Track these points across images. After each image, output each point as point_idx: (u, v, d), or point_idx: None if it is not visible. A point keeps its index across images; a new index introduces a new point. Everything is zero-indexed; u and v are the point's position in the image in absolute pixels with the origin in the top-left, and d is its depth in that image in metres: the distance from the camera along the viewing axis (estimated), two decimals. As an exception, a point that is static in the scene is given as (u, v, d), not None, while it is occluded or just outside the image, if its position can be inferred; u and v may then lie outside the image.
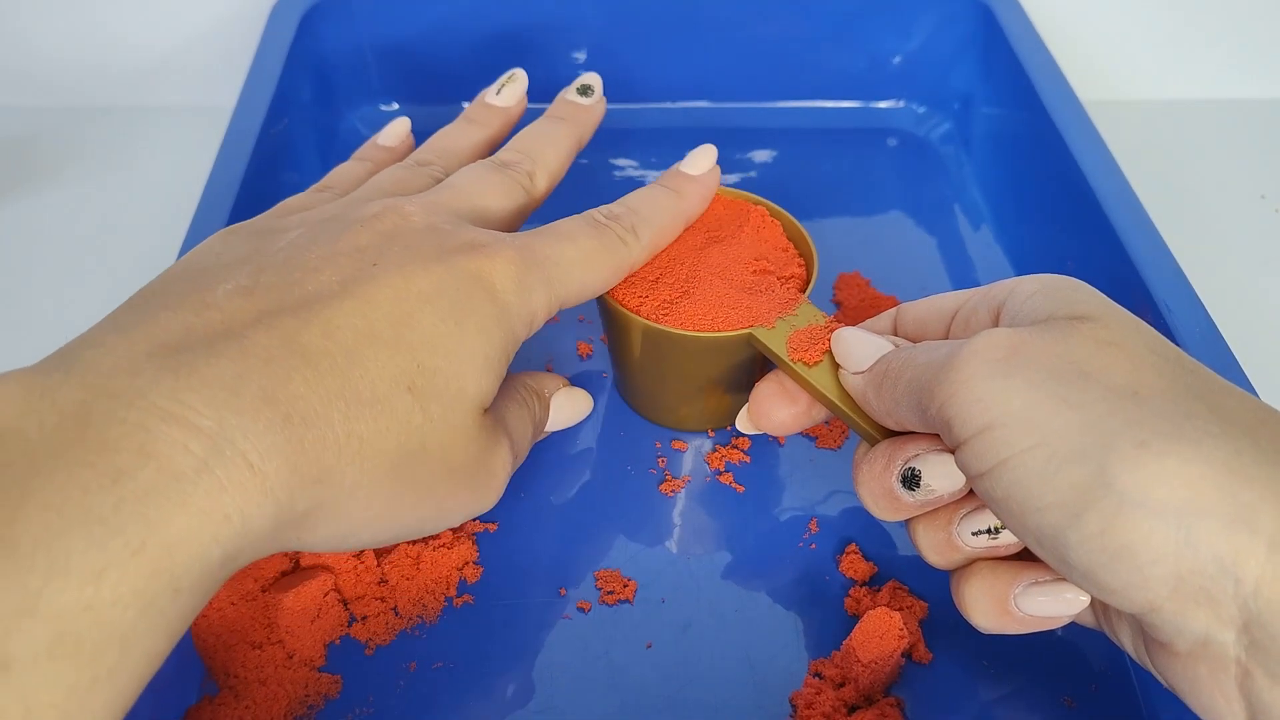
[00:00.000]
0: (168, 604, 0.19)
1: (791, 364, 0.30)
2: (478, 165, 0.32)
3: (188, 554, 0.20)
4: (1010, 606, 0.26)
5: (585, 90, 0.37)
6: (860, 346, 0.28)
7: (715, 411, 0.36)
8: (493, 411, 0.28)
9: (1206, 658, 0.21)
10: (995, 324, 0.26)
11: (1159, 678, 0.24)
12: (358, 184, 0.34)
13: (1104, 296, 0.25)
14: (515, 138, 0.35)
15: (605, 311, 0.34)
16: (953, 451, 0.24)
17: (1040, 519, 0.22)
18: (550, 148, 0.34)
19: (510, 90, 0.38)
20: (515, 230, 0.32)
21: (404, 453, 0.24)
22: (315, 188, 0.33)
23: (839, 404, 0.29)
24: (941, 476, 0.26)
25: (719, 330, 0.32)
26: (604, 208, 0.32)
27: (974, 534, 0.27)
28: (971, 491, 0.28)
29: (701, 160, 0.34)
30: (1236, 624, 0.21)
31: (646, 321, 0.32)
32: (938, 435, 0.27)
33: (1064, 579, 0.26)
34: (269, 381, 0.22)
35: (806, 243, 0.35)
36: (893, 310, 0.30)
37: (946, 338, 0.28)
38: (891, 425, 0.27)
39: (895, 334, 0.30)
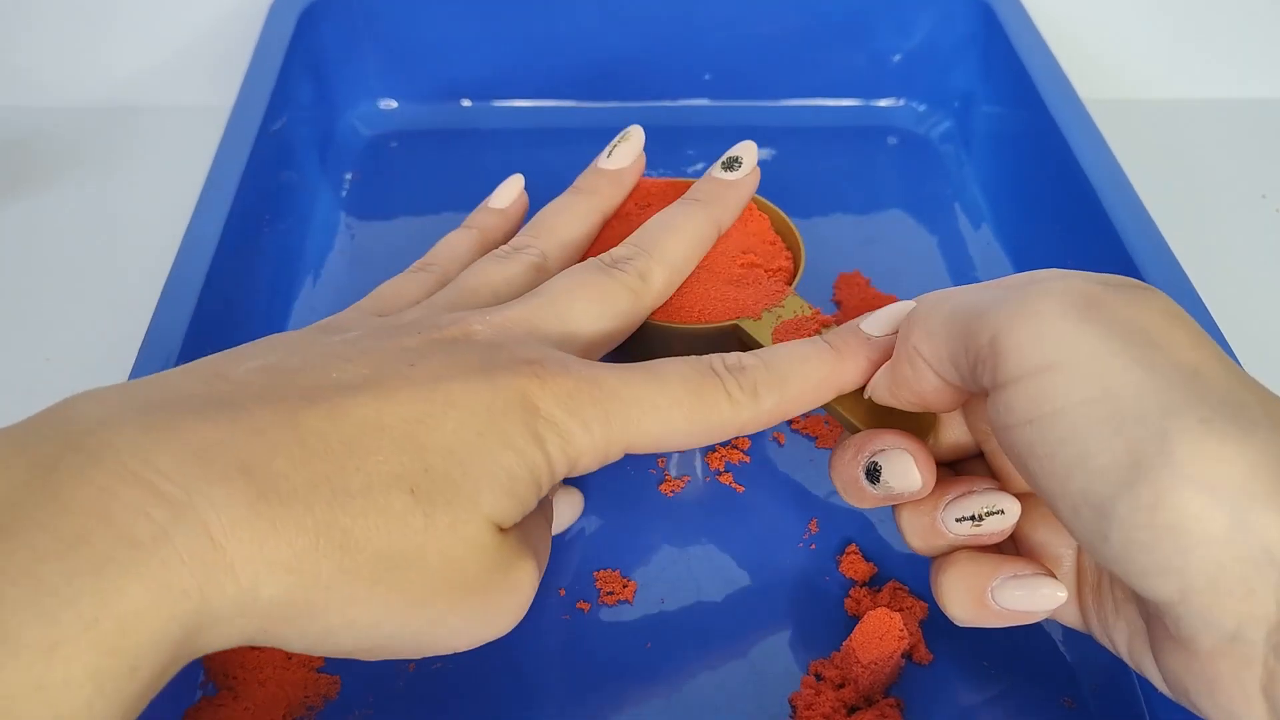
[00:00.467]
0: (125, 683, 0.18)
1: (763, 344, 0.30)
2: (580, 268, 0.30)
3: (145, 630, 0.18)
4: (987, 599, 0.26)
5: (732, 164, 0.34)
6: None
7: None
8: (519, 529, 0.25)
9: (1231, 656, 0.20)
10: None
11: (1158, 680, 0.23)
12: (462, 262, 0.32)
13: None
14: (640, 228, 0.32)
15: None
16: (986, 395, 0.23)
17: (1088, 482, 0.21)
18: (675, 238, 0.31)
19: (624, 151, 0.35)
20: (619, 342, 0.30)
21: (396, 556, 0.22)
22: (417, 265, 0.33)
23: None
24: (900, 475, 0.26)
25: (704, 321, 0.32)
26: (729, 356, 0.28)
27: (958, 520, 0.26)
28: (957, 475, 0.28)
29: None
30: (1270, 621, 0.20)
31: None
32: (909, 433, 0.27)
33: (1042, 573, 0.26)
34: (251, 454, 0.21)
35: (794, 235, 0.35)
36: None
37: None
38: (903, 396, 0.26)
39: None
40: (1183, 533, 0.20)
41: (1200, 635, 0.21)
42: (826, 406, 0.28)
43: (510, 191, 0.36)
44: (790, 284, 0.33)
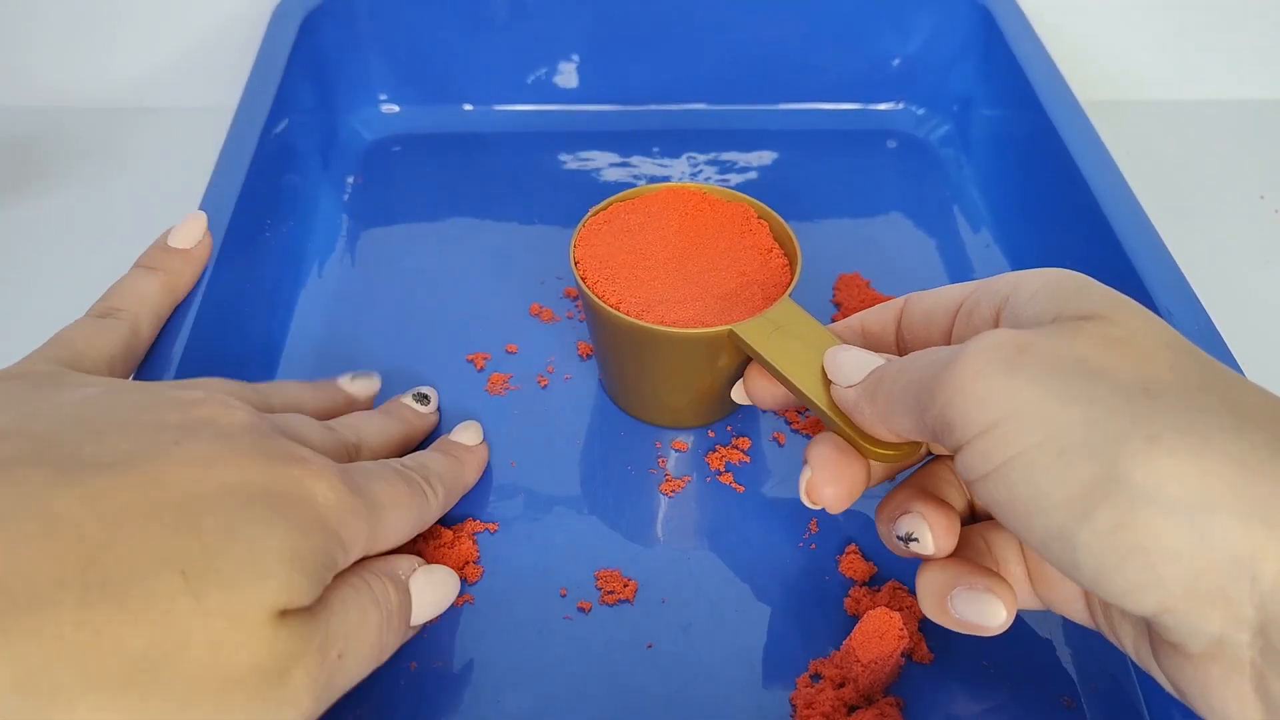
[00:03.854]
0: None
1: (770, 361, 0.30)
2: (314, 423, 0.30)
3: None
4: (947, 605, 0.27)
5: (422, 399, 0.36)
6: (852, 361, 0.28)
7: (699, 408, 0.37)
8: (309, 612, 0.23)
9: (1220, 659, 0.21)
10: (997, 322, 0.26)
11: (1164, 680, 0.23)
12: (151, 305, 0.32)
13: (1111, 291, 0.25)
14: (349, 417, 0.33)
15: (590, 310, 0.34)
16: (952, 457, 0.24)
17: (1048, 519, 0.21)
18: (373, 432, 0.32)
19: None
20: None
21: (157, 652, 0.20)
22: (101, 310, 0.32)
23: (820, 405, 0.29)
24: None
25: (700, 326, 0.32)
26: (398, 460, 0.31)
27: (898, 538, 0.27)
28: (906, 492, 0.29)
29: (471, 433, 0.35)
30: (1253, 624, 0.20)
31: (628, 318, 0.32)
32: (927, 494, 0.28)
33: (992, 589, 0.26)
34: None
35: (792, 243, 0.35)
36: (900, 300, 0.30)
37: (950, 332, 0.28)
38: (883, 434, 0.27)
39: (900, 324, 0.30)
40: (1147, 552, 0.20)
41: (1188, 641, 0.21)
42: (830, 422, 0.28)
43: (194, 230, 0.35)
44: (786, 290, 0.33)
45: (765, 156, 0.51)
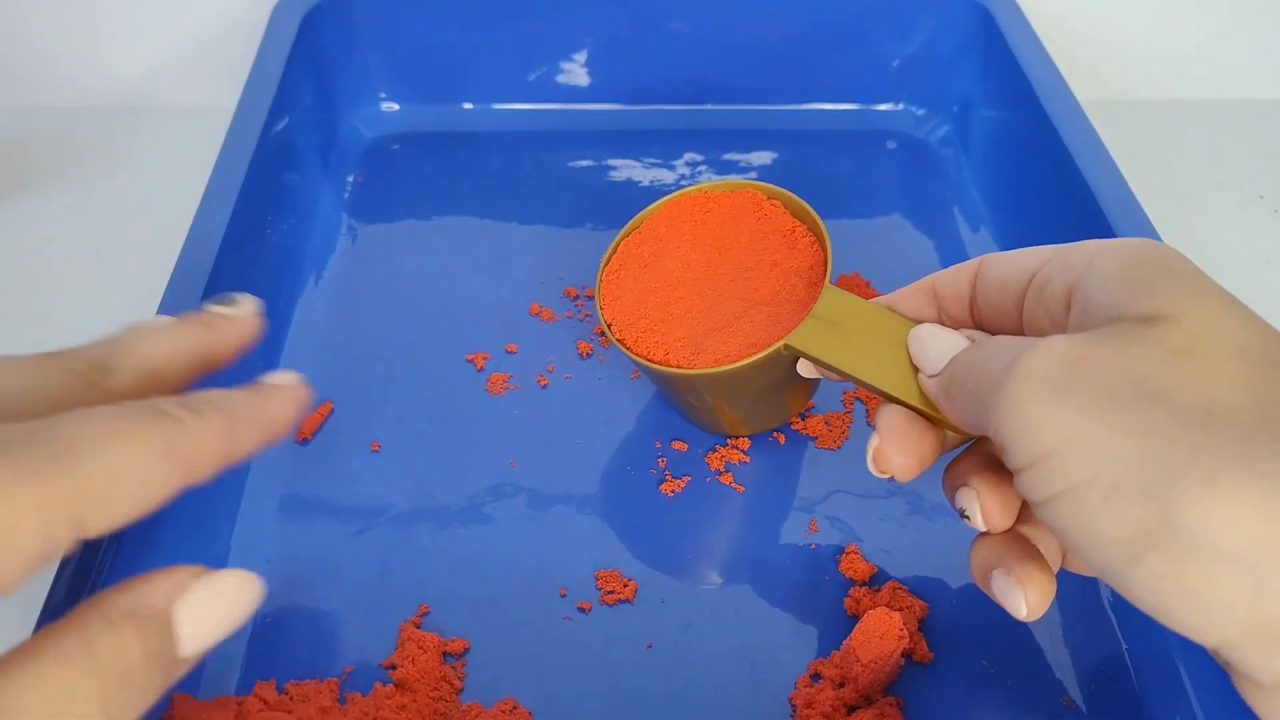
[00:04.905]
0: None
1: (836, 366, 0.29)
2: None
3: None
4: (988, 581, 0.27)
5: (229, 302, 0.26)
6: (935, 345, 0.26)
7: (771, 414, 0.36)
8: None
9: None
10: (1068, 303, 0.24)
11: (1243, 698, 0.22)
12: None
13: (1188, 277, 0.22)
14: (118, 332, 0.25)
15: (639, 366, 0.33)
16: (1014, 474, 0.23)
17: (1101, 555, 0.20)
18: (141, 350, 0.24)
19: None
20: None
21: None
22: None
23: (900, 397, 0.27)
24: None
25: (754, 352, 0.31)
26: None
27: (957, 508, 0.27)
28: (970, 462, 0.28)
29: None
30: None
31: (682, 371, 0.32)
32: (989, 467, 0.27)
33: (1021, 582, 0.26)
34: None
35: (810, 216, 0.34)
36: (975, 262, 0.28)
37: (1023, 303, 0.26)
38: (969, 431, 0.26)
39: (975, 286, 0.28)
40: (1204, 599, 0.19)
41: (1255, 674, 0.20)
42: (917, 410, 0.27)
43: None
44: (823, 277, 0.32)
45: (765, 157, 0.51)
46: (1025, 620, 0.26)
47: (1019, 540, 0.27)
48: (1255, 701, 0.21)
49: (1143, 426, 0.20)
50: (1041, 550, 0.27)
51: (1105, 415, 0.20)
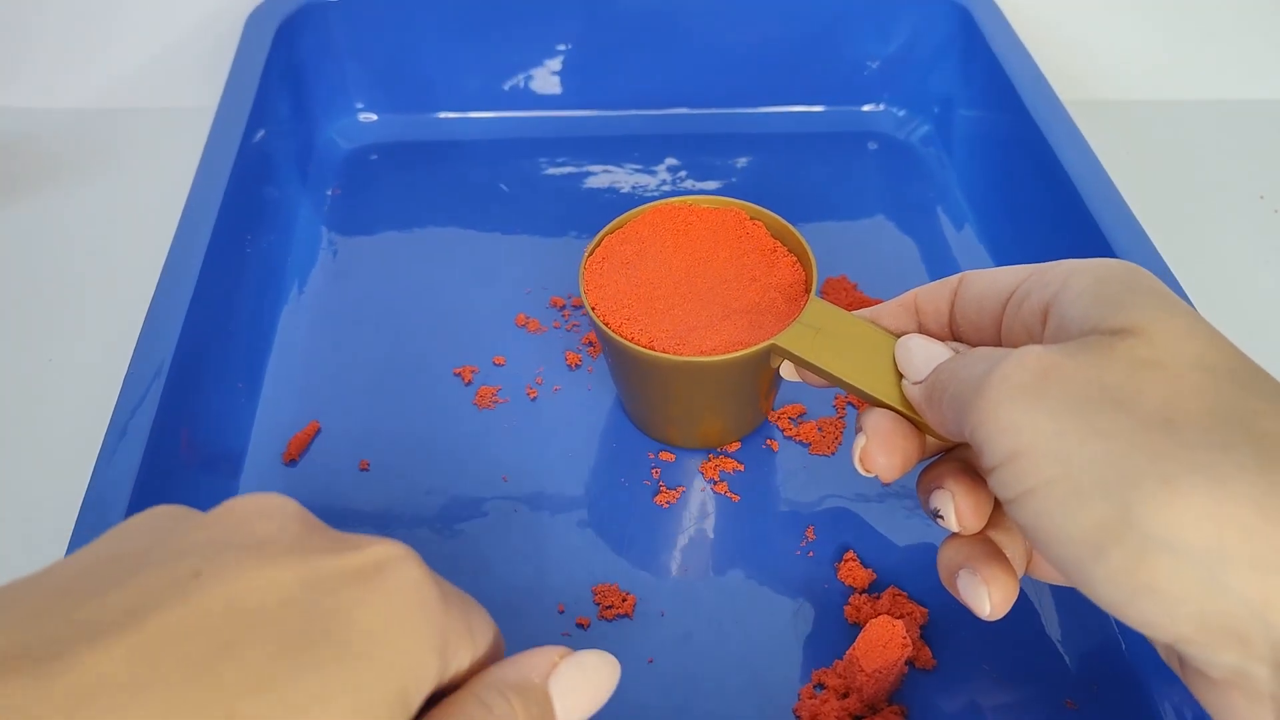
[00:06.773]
0: None
1: (822, 367, 0.29)
2: None
3: None
4: (954, 580, 0.28)
5: None
6: (921, 353, 0.27)
7: (738, 423, 0.36)
8: None
9: (1242, 687, 0.21)
10: (1044, 318, 0.25)
11: (1194, 695, 0.23)
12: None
13: (1156, 294, 0.24)
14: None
15: (623, 354, 0.33)
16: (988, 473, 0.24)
17: (1064, 551, 0.21)
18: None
19: None
20: None
21: None
22: None
23: (882, 400, 0.28)
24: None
25: (741, 348, 0.31)
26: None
27: (930, 509, 0.28)
28: (946, 466, 0.29)
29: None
30: (1270, 660, 0.20)
31: (671, 356, 0.31)
32: (964, 471, 0.28)
33: (986, 583, 0.27)
34: None
35: (794, 237, 0.35)
36: (955, 278, 0.29)
37: (1001, 319, 0.27)
38: (948, 436, 0.27)
39: (955, 305, 0.29)
40: (1160, 594, 0.20)
41: (1208, 669, 0.21)
42: (905, 415, 0.28)
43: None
44: (807, 290, 0.33)
45: (747, 160, 0.50)
46: (988, 619, 0.27)
47: (986, 543, 0.28)
48: (1206, 697, 0.22)
49: (1108, 430, 0.21)
50: (1007, 555, 0.28)
51: (1074, 419, 0.21)
